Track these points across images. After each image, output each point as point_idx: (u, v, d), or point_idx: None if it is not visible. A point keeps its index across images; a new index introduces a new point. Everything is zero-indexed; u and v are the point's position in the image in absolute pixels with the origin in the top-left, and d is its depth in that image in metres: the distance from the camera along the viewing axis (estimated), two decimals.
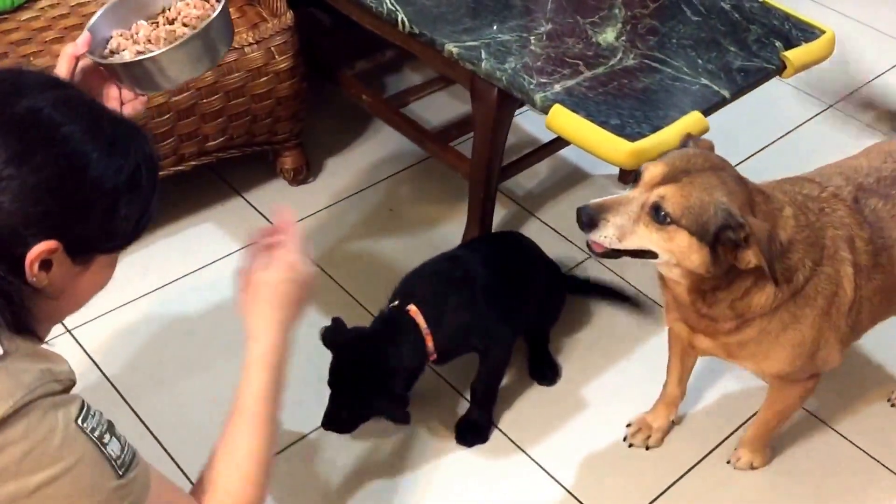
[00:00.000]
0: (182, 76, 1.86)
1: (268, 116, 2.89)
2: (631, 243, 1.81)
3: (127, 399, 2.48)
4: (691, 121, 2.19)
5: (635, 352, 2.69)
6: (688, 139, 1.93)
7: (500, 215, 3.02)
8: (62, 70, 1.73)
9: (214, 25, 1.83)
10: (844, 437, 2.51)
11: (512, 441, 2.45)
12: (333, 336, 2.26)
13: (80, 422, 1.28)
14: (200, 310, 2.74)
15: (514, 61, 2.36)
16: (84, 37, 1.77)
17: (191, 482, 2.26)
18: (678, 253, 1.78)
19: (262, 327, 1.63)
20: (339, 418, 2.24)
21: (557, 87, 2.28)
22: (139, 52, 1.84)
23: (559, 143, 2.98)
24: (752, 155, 3.39)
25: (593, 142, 2.16)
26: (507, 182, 2.99)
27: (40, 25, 2.69)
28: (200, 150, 2.84)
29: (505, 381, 2.48)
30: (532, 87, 2.28)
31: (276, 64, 2.78)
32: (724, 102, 2.33)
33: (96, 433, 1.30)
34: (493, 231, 2.90)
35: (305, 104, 2.99)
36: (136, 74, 1.79)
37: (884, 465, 2.45)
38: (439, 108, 3.49)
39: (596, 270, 2.89)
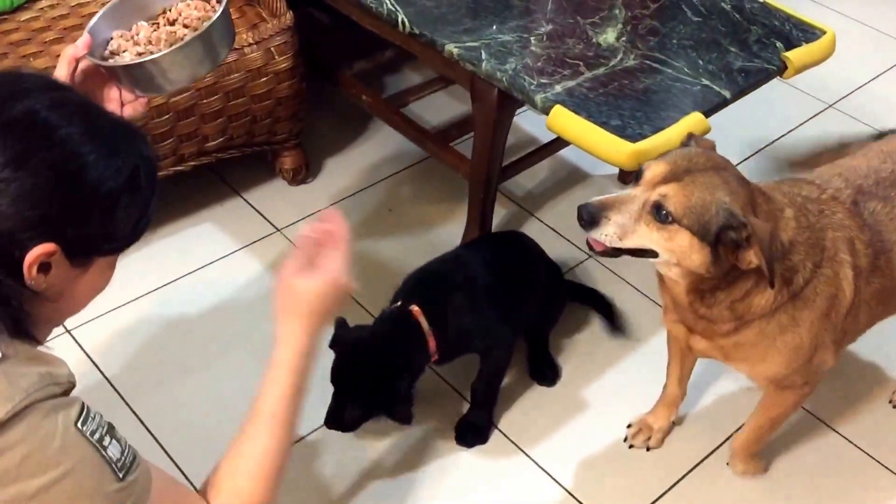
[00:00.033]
0: (183, 78, 1.85)
1: (267, 117, 2.89)
2: (631, 242, 1.80)
3: (126, 399, 2.48)
4: (692, 122, 2.19)
5: (635, 352, 2.69)
6: (690, 139, 1.92)
7: (499, 215, 3.02)
8: (62, 72, 1.73)
9: (216, 27, 1.82)
10: (845, 438, 2.51)
11: (512, 442, 2.45)
12: (337, 336, 2.26)
13: (79, 425, 1.28)
14: (200, 309, 2.74)
15: (515, 62, 2.36)
16: (84, 39, 1.77)
17: (190, 482, 2.29)
18: (679, 252, 1.78)
19: (293, 332, 1.62)
20: (342, 417, 2.23)
21: (558, 88, 2.28)
22: (139, 54, 1.84)
23: (559, 143, 2.98)
24: (751, 155, 3.39)
25: (594, 143, 2.16)
26: (506, 182, 2.99)
27: (40, 26, 2.69)
28: (200, 151, 2.83)
29: (505, 381, 2.48)
30: (533, 87, 2.28)
31: (275, 64, 2.78)
32: (725, 103, 2.33)
33: (96, 436, 1.29)
34: (493, 231, 2.90)
35: (305, 104, 2.99)
36: (137, 76, 1.79)
37: (884, 466, 2.45)
38: (439, 109, 3.49)
39: (596, 270, 2.89)
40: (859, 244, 1.98)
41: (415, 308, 2.26)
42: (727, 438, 2.48)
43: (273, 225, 3.02)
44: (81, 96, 1.44)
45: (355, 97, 3.17)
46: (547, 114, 2.22)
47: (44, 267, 1.31)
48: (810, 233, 1.89)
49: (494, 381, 2.43)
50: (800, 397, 2.15)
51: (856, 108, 3.69)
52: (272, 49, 2.76)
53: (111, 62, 1.82)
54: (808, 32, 2.53)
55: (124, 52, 1.86)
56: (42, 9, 2.76)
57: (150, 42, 1.88)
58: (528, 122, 3.36)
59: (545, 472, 2.39)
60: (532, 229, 3.00)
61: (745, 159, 3.31)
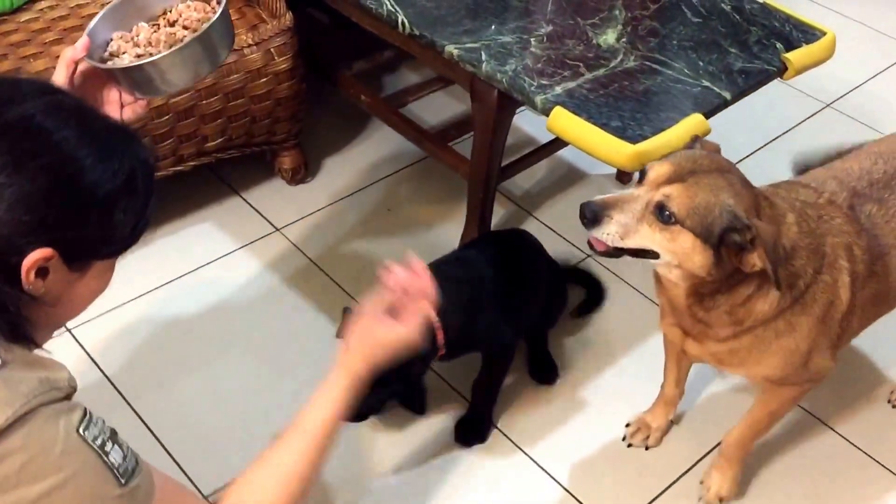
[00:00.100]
0: (182, 80, 1.85)
1: (267, 117, 2.89)
2: (633, 242, 1.79)
3: (126, 398, 2.48)
4: (692, 123, 2.19)
5: (634, 352, 2.70)
6: (694, 140, 1.92)
7: (498, 215, 3.03)
8: (61, 74, 1.72)
9: (214, 29, 1.82)
10: (843, 438, 2.52)
11: (511, 441, 2.46)
12: (345, 325, 2.25)
13: (81, 430, 1.28)
14: (200, 308, 2.74)
15: (515, 63, 2.36)
16: (83, 41, 1.76)
17: (190, 480, 2.29)
18: (680, 254, 1.77)
19: (353, 367, 1.67)
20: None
21: (558, 89, 2.28)
22: (139, 55, 1.83)
23: (558, 143, 2.98)
24: (750, 155, 3.40)
25: (594, 144, 2.16)
26: (505, 182, 2.99)
27: (40, 27, 2.68)
28: (200, 151, 2.84)
29: (504, 380, 2.48)
30: (533, 89, 2.28)
31: (275, 65, 2.78)
32: (725, 104, 2.33)
33: (98, 441, 1.29)
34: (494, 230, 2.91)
35: (305, 105, 2.99)
36: (136, 79, 1.78)
37: (883, 465, 2.46)
38: (438, 109, 3.49)
39: (595, 270, 2.90)
40: (857, 250, 1.98)
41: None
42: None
43: (272, 224, 3.02)
44: (77, 100, 1.44)
45: (354, 97, 3.18)
46: (547, 115, 2.22)
47: (42, 272, 1.31)
48: (811, 238, 1.89)
49: (496, 381, 2.44)
50: (799, 393, 2.14)
51: (854, 107, 3.70)
52: (272, 50, 2.76)
53: (110, 64, 1.82)
54: (808, 33, 2.53)
55: (124, 53, 1.85)
56: (42, 10, 2.75)
57: (149, 43, 1.87)
58: (526, 122, 3.36)
59: (544, 470, 2.40)
60: (530, 229, 2.98)
61: (743, 159, 3.32)
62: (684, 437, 2.50)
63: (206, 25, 1.81)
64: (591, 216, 1.79)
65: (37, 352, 1.37)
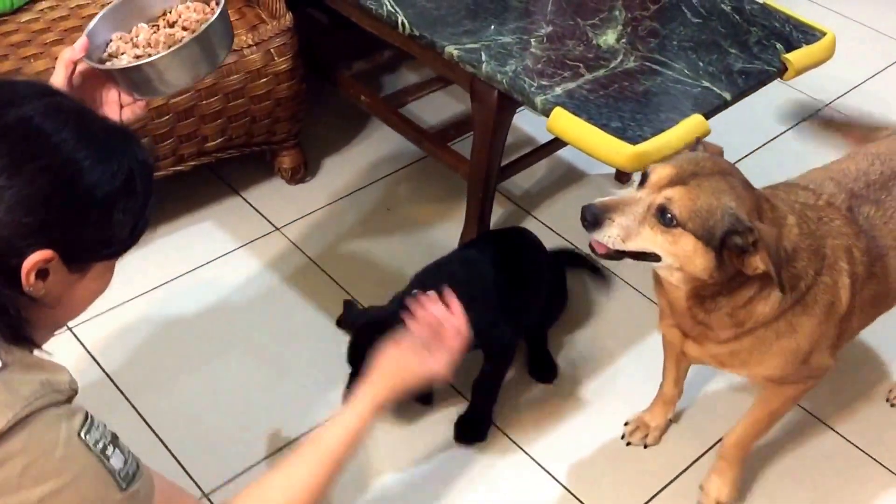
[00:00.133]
0: (180, 81, 1.84)
1: (267, 117, 2.89)
2: (635, 245, 1.79)
3: (127, 396, 2.48)
4: (693, 124, 2.19)
5: (633, 351, 2.71)
6: (697, 143, 1.91)
7: (497, 214, 3.03)
8: (59, 75, 1.72)
9: (213, 30, 1.81)
10: (842, 437, 2.52)
11: (510, 439, 2.46)
12: (353, 317, 2.25)
13: (82, 435, 1.27)
14: (200, 307, 2.75)
15: (515, 63, 2.36)
16: (81, 41, 1.75)
17: (191, 477, 2.29)
18: (682, 257, 1.77)
19: (380, 390, 1.70)
20: None
21: (558, 90, 2.28)
22: (138, 56, 1.83)
23: (557, 142, 2.98)
24: (748, 155, 3.40)
25: (594, 145, 2.16)
26: (504, 181, 2.99)
27: (40, 27, 2.68)
28: (200, 151, 2.84)
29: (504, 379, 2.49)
30: (533, 89, 2.28)
31: (275, 65, 2.78)
32: (725, 105, 2.33)
33: (99, 446, 1.29)
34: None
35: (304, 105, 3.00)
36: (135, 79, 1.78)
37: (882, 464, 2.47)
38: (437, 108, 3.50)
39: None
40: (857, 252, 1.98)
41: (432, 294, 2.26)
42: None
43: (272, 224, 3.02)
44: (75, 102, 1.44)
45: (354, 97, 3.18)
46: (547, 116, 2.22)
47: (42, 273, 1.31)
48: (812, 240, 1.89)
49: (497, 380, 2.44)
50: (800, 391, 2.13)
51: (852, 107, 3.70)
52: (272, 50, 2.76)
53: (108, 65, 1.81)
54: (808, 34, 2.54)
55: (123, 54, 1.85)
56: (42, 10, 2.75)
57: (148, 44, 1.87)
58: (526, 122, 3.36)
59: (543, 469, 2.40)
60: (529, 228, 3.00)
61: (741, 159, 3.32)
62: (683, 435, 2.50)
63: (204, 26, 1.80)
64: (593, 219, 1.79)
65: (38, 353, 1.37)
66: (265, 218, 3.04)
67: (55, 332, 1.47)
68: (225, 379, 2.56)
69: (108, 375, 2.53)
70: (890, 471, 2.45)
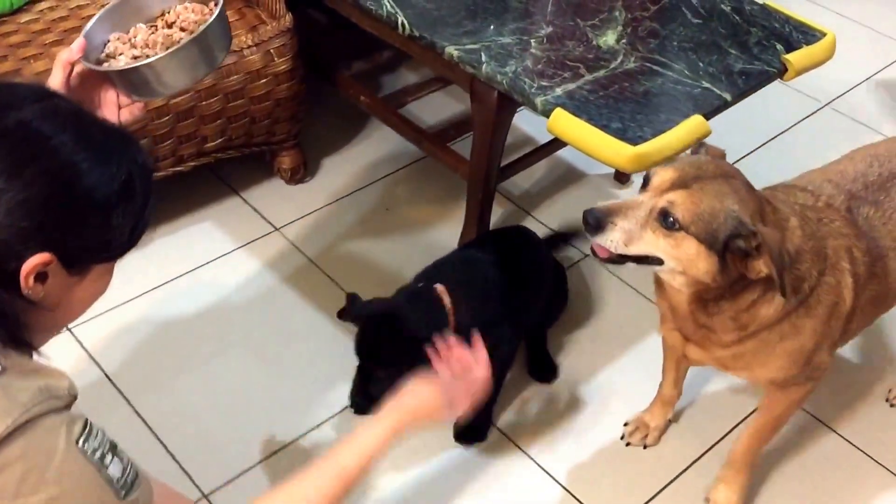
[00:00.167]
0: (178, 83, 1.83)
1: (266, 118, 2.89)
2: (637, 249, 1.78)
3: (126, 396, 2.48)
4: (693, 124, 2.19)
5: (633, 351, 2.71)
6: (700, 146, 1.91)
7: (496, 214, 3.02)
8: (57, 76, 1.71)
9: (211, 31, 1.80)
10: (842, 437, 2.52)
11: (510, 440, 2.46)
12: (359, 309, 2.25)
13: (80, 443, 1.26)
14: (199, 308, 2.75)
15: (515, 64, 2.36)
16: (78, 42, 1.74)
17: (190, 478, 2.29)
18: (685, 260, 1.76)
19: (405, 420, 1.70)
20: (368, 390, 2.23)
21: (558, 91, 2.28)
22: (135, 57, 1.82)
23: (557, 143, 2.97)
24: (747, 155, 3.40)
25: (595, 146, 2.16)
26: (504, 181, 2.99)
27: (40, 28, 2.68)
28: (199, 151, 2.84)
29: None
30: (533, 90, 2.28)
31: (275, 66, 2.78)
32: (725, 106, 2.33)
33: (97, 454, 1.28)
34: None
35: (304, 105, 3.00)
36: (132, 81, 1.77)
37: (881, 465, 2.47)
38: (436, 109, 3.50)
39: (593, 270, 2.91)
40: (857, 252, 1.98)
41: (439, 286, 2.26)
42: (724, 436, 2.50)
43: (271, 224, 3.02)
44: (73, 104, 1.43)
45: (353, 97, 3.18)
46: (547, 117, 2.22)
47: (41, 277, 1.30)
48: (814, 241, 1.89)
49: (498, 380, 2.43)
50: (802, 394, 2.13)
51: (852, 107, 3.71)
52: (271, 51, 2.76)
53: (105, 66, 1.80)
54: (808, 34, 2.54)
55: (120, 54, 1.84)
56: (42, 11, 2.75)
57: (146, 45, 1.86)
58: (525, 122, 3.35)
59: (543, 469, 2.40)
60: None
61: (740, 158, 3.32)
62: (683, 436, 2.50)
63: (201, 27, 1.79)
64: (595, 223, 1.78)
65: (37, 358, 1.36)
66: (264, 218, 3.04)
67: (53, 335, 1.46)
68: (224, 379, 2.56)
69: (107, 376, 2.52)
70: (890, 471, 2.45)
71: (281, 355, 2.62)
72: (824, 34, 2.54)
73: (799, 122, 3.61)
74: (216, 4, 1.86)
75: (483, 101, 2.50)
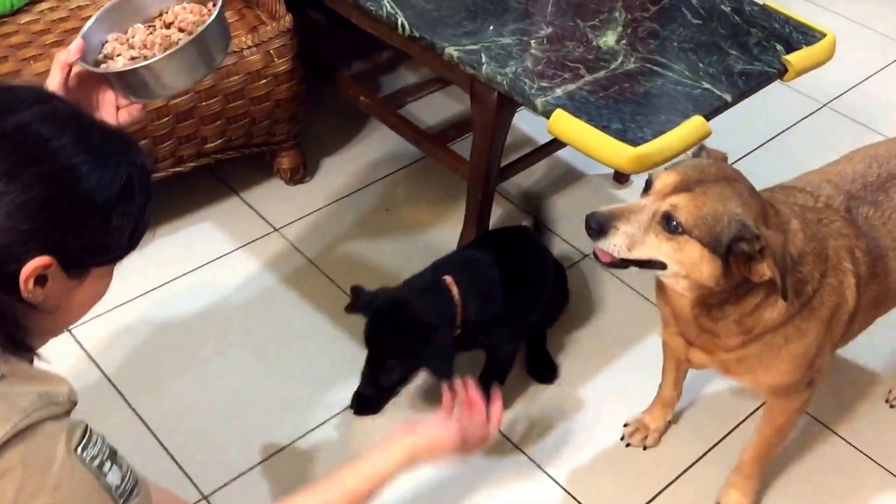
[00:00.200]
0: (177, 84, 1.83)
1: (266, 118, 2.89)
2: (640, 253, 1.78)
3: (126, 397, 2.48)
4: (693, 125, 2.19)
5: (633, 352, 2.71)
6: (701, 149, 1.90)
7: (495, 214, 3.02)
8: (55, 78, 1.70)
9: (209, 32, 1.79)
10: (842, 438, 2.52)
11: (509, 440, 2.46)
12: (366, 300, 2.25)
13: (79, 450, 1.26)
14: (199, 308, 2.74)
15: (515, 65, 2.36)
16: (76, 43, 1.74)
17: (190, 479, 2.29)
18: (688, 264, 1.75)
19: (418, 450, 1.71)
20: (378, 381, 2.24)
21: (559, 92, 2.28)
22: (133, 58, 1.81)
23: (556, 143, 2.97)
24: (746, 155, 3.40)
25: (595, 147, 2.15)
26: (503, 182, 2.98)
27: (40, 28, 2.68)
28: (199, 152, 2.84)
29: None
30: (533, 91, 2.28)
31: (274, 67, 2.78)
32: (725, 106, 2.33)
33: (96, 462, 1.27)
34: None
35: (304, 106, 3.00)
36: (131, 83, 1.76)
37: (881, 465, 2.47)
38: (436, 109, 3.50)
39: (593, 270, 2.91)
40: (858, 252, 1.98)
41: (448, 278, 2.26)
42: (724, 437, 2.50)
43: (271, 224, 3.02)
44: (72, 106, 1.42)
45: (353, 97, 3.17)
46: (548, 118, 2.22)
47: (40, 280, 1.30)
48: (815, 242, 1.88)
49: (499, 379, 2.43)
50: (802, 403, 2.13)
51: (851, 107, 3.71)
52: (271, 52, 2.76)
53: (103, 67, 1.80)
54: (808, 35, 2.54)
55: (118, 55, 1.83)
56: (42, 12, 2.75)
57: (144, 45, 1.85)
58: (525, 123, 3.35)
59: (542, 470, 2.41)
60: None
61: (739, 158, 3.32)
62: (683, 436, 2.50)
63: (200, 28, 1.79)
64: (598, 227, 1.77)
65: (38, 363, 1.36)
66: (264, 219, 3.04)
67: (52, 338, 1.46)
68: (224, 379, 2.56)
69: (106, 377, 2.52)
70: (889, 472, 2.45)
71: (281, 355, 2.62)
72: (824, 35, 2.54)
73: (798, 122, 3.61)
74: (214, 5, 1.85)
75: (483, 102, 2.50)
